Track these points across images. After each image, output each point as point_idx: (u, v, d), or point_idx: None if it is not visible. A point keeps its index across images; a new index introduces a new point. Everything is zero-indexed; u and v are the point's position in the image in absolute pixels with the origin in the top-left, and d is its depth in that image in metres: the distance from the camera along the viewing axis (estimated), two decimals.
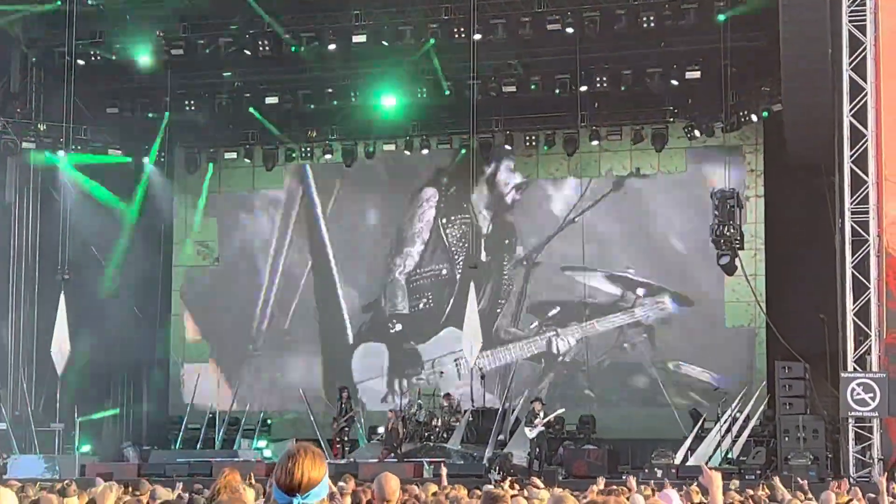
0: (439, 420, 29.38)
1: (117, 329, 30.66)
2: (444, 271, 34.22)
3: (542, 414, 27.37)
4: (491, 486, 17.09)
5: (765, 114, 29.79)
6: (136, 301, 32.41)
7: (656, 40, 29.62)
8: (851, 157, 23.91)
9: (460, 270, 33.73)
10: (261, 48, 30.19)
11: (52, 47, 30.82)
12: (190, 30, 30.71)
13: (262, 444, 31.87)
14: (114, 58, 30.77)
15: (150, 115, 32.88)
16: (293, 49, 30.16)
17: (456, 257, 34.10)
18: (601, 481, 17.58)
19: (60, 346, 29.60)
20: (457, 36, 29.02)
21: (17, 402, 31.01)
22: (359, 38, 29.77)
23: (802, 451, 24.71)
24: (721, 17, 27.67)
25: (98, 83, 32.01)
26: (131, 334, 31.54)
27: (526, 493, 12.62)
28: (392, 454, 27.92)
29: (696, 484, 11.32)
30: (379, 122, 32.97)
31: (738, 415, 27.76)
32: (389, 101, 31.95)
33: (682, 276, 32.29)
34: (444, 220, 34.36)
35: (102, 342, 30.41)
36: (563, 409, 29.39)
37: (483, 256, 33.18)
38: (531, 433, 27.19)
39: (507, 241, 33.75)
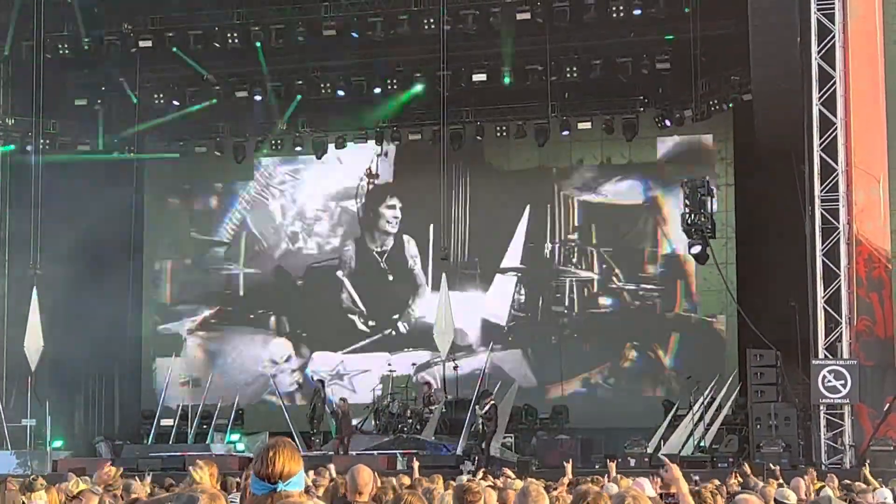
0: (412, 411, 29.28)
1: (89, 324, 30.48)
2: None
3: (487, 406, 26.95)
4: (464, 478, 17.07)
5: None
6: (108, 295, 32.23)
7: (626, 30, 29.64)
8: (821, 145, 23.97)
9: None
10: (230, 41, 30.10)
11: (20, 41, 30.62)
12: (158, 22, 30.57)
13: (234, 437, 31.74)
14: (82, 51, 30.61)
15: (119, 108, 32.71)
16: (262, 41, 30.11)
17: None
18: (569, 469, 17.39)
19: (33, 341, 29.43)
20: (427, 27, 28.98)
21: None
22: (329, 31, 29.71)
23: (774, 438, 24.77)
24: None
25: (66, 76, 31.82)
26: (103, 329, 31.36)
27: (500, 483, 12.65)
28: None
29: (659, 478, 11.23)
30: (348, 114, 32.90)
31: (710, 403, 27.83)
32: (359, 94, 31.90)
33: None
34: None
35: (74, 337, 30.22)
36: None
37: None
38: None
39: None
